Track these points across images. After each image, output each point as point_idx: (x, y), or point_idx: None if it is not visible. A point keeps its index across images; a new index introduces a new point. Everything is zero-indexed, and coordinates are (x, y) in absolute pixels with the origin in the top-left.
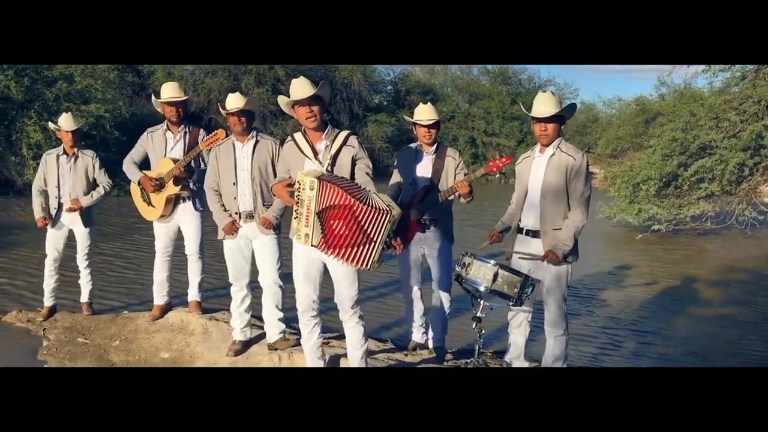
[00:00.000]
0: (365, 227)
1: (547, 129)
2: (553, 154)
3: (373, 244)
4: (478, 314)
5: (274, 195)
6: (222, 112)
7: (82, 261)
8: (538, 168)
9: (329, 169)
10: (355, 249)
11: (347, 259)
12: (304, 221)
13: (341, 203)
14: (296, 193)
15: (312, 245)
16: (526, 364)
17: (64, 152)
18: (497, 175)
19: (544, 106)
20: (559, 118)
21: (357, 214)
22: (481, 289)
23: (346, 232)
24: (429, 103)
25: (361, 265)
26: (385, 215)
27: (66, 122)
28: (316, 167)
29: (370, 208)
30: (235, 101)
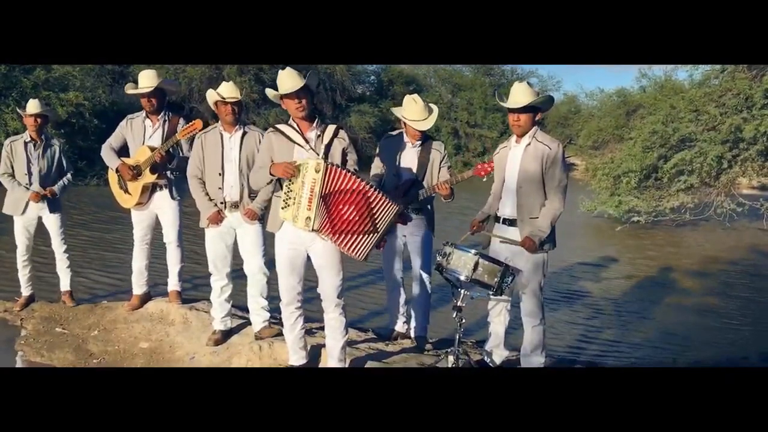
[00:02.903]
0: (375, 215)
1: (519, 119)
2: (529, 143)
3: (376, 234)
4: (459, 304)
5: (272, 175)
6: (212, 98)
7: (58, 247)
8: (515, 157)
9: (323, 157)
10: (360, 237)
11: (348, 246)
12: (306, 205)
13: (353, 188)
14: (290, 180)
15: (313, 229)
16: (506, 353)
17: (32, 139)
18: (485, 179)
19: (516, 96)
20: (533, 109)
21: (371, 200)
22: (462, 278)
23: (357, 218)
24: (421, 100)
25: (358, 254)
26: (394, 207)
27: (30, 106)
28: (309, 155)
29: (383, 196)
30: (231, 91)
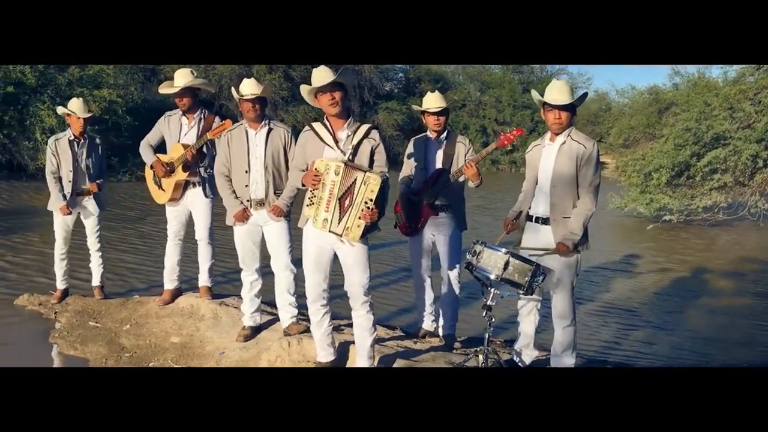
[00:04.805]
0: (355, 194)
1: (561, 117)
2: (564, 142)
3: (352, 208)
4: (489, 303)
5: (304, 186)
6: (235, 96)
7: (93, 244)
8: (549, 156)
9: (350, 158)
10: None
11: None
12: (324, 206)
13: (353, 181)
14: (316, 185)
15: (330, 231)
16: (535, 353)
17: (76, 137)
18: (508, 148)
19: (560, 94)
20: (572, 107)
21: (356, 182)
22: (492, 277)
23: (349, 204)
24: (437, 91)
25: (351, 236)
26: (362, 176)
27: (78, 108)
28: (337, 155)
29: (360, 171)
30: (251, 87)
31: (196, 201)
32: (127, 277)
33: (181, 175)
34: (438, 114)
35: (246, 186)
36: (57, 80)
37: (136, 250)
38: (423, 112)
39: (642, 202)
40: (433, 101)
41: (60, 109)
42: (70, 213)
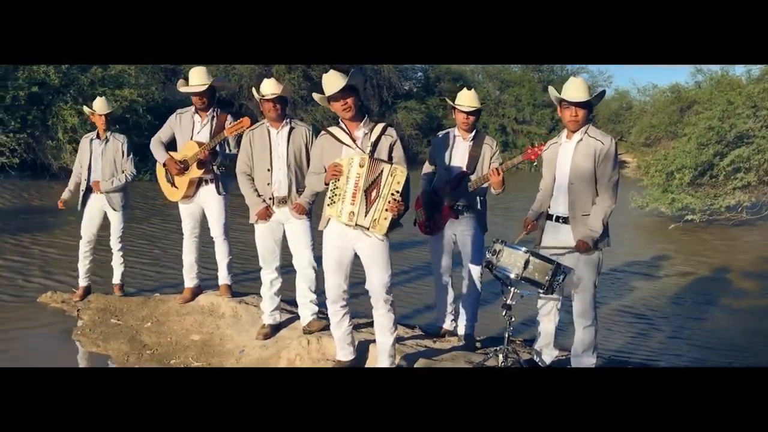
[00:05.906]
0: (382, 185)
1: (578, 114)
2: (581, 139)
3: (379, 200)
4: (508, 302)
5: (326, 185)
6: (256, 96)
7: (115, 243)
8: (566, 154)
9: (371, 154)
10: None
11: (376, 228)
12: (350, 199)
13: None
14: (336, 176)
15: (357, 224)
16: (556, 353)
17: (97, 136)
18: (536, 163)
19: (577, 91)
20: (589, 104)
21: (382, 174)
22: (512, 276)
23: (375, 196)
24: (473, 89)
25: (380, 230)
26: (388, 168)
27: (99, 106)
28: (357, 153)
29: (386, 163)
30: (271, 87)
31: (209, 198)
32: (133, 277)
33: (195, 172)
34: (469, 113)
35: (268, 184)
36: (79, 80)
37: (140, 251)
38: (453, 108)
39: (664, 201)
40: (466, 99)
41: (86, 109)
42: (64, 207)
